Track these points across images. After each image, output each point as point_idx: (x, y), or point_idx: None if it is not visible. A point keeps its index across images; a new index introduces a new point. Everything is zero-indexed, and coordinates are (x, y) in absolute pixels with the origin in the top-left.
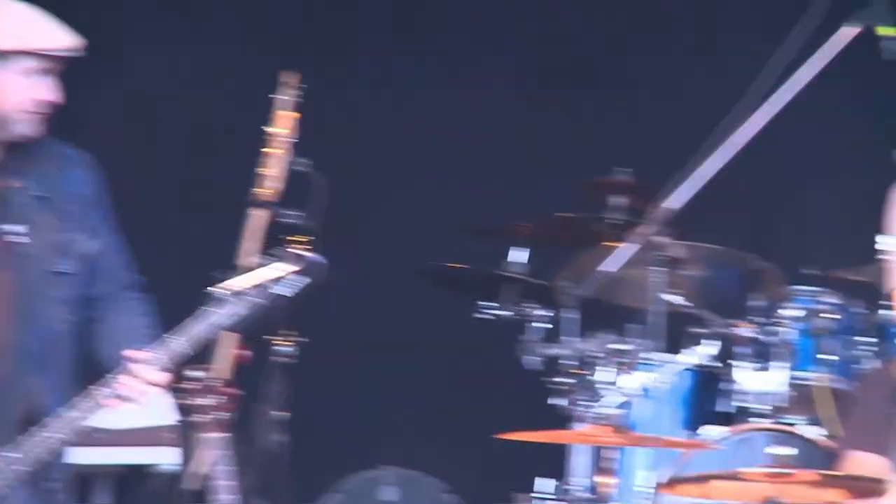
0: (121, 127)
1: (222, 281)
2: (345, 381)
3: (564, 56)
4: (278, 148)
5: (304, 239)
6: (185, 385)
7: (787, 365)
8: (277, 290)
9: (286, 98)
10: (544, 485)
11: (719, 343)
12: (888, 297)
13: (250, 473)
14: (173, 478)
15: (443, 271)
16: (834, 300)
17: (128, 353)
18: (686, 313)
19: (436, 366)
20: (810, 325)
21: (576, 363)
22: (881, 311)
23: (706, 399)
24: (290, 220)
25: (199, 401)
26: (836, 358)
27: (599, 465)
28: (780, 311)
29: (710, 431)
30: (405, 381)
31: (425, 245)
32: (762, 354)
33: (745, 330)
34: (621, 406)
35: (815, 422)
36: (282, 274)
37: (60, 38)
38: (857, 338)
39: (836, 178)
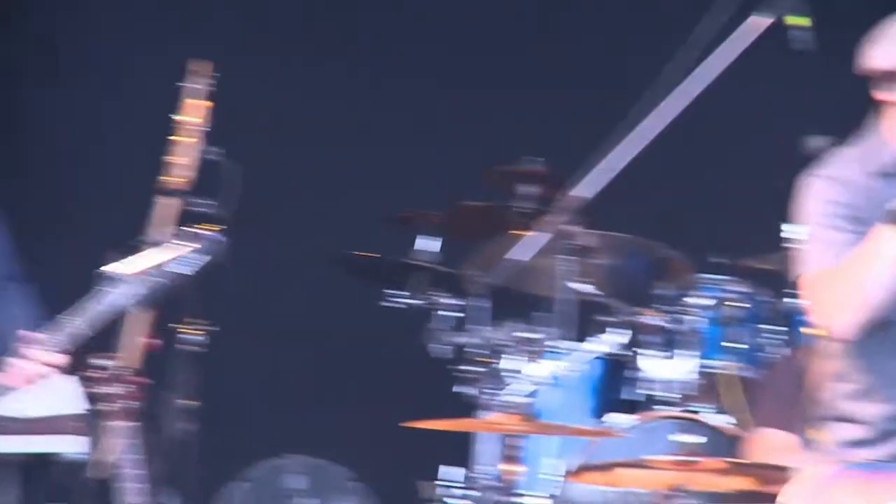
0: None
1: (118, 261)
2: (253, 370)
3: (472, 46)
4: (188, 136)
5: (215, 227)
6: (92, 373)
7: (695, 353)
8: (175, 268)
9: (196, 87)
10: (449, 473)
11: (629, 332)
12: (795, 286)
13: (158, 462)
14: (79, 466)
15: (352, 260)
16: (741, 288)
17: (22, 335)
18: (595, 302)
19: (344, 354)
20: (718, 314)
21: (483, 352)
22: (788, 300)
23: (614, 387)
24: (202, 209)
25: (107, 389)
26: (743, 346)
27: (506, 453)
28: (687, 299)
29: (616, 419)
30: (313, 369)
31: (335, 233)
32: (670, 343)
33: (652, 318)
34: (529, 394)
35: (722, 410)
36: (179, 252)
37: None
38: (764, 326)
39: (743, 167)
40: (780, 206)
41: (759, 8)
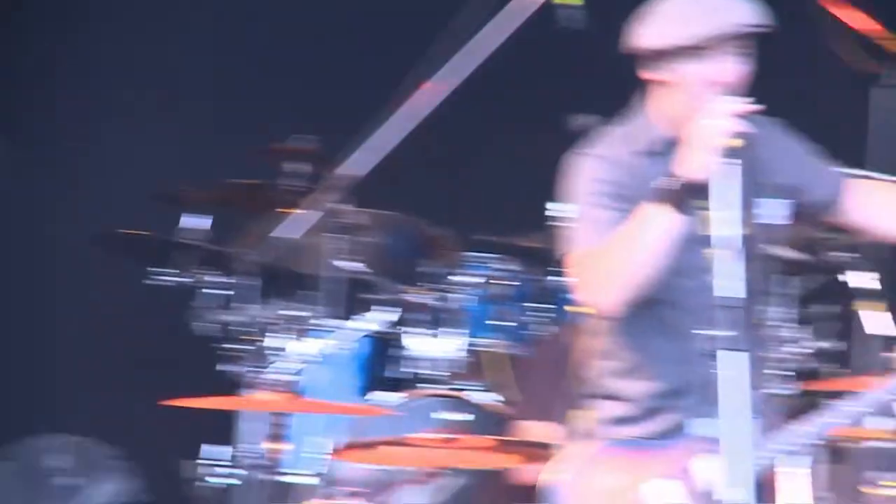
0: None
1: None
2: (15, 347)
3: (239, 21)
4: None
5: None
6: None
7: (462, 331)
8: None
9: None
10: (212, 452)
11: (397, 309)
12: (561, 264)
13: None
14: None
15: (118, 237)
16: (508, 266)
17: None
18: (363, 280)
19: (109, 332)
20: (484, 292)
21: (250, 329)
22: (554, 278)
23: (381, 365)
24: None
25: None
26: (510, 324)
27: (271, 431)
28: (454, 277)
29: (383, 397)
30: (77, 347)
31: (101, 210)
32: (436, 321)
33: (419, 296)
34: (294, 372)
35: (489, 388)
36: None
37: None
38: (530, 304)
39: (509, 144)
40: (546, 184)
41: None
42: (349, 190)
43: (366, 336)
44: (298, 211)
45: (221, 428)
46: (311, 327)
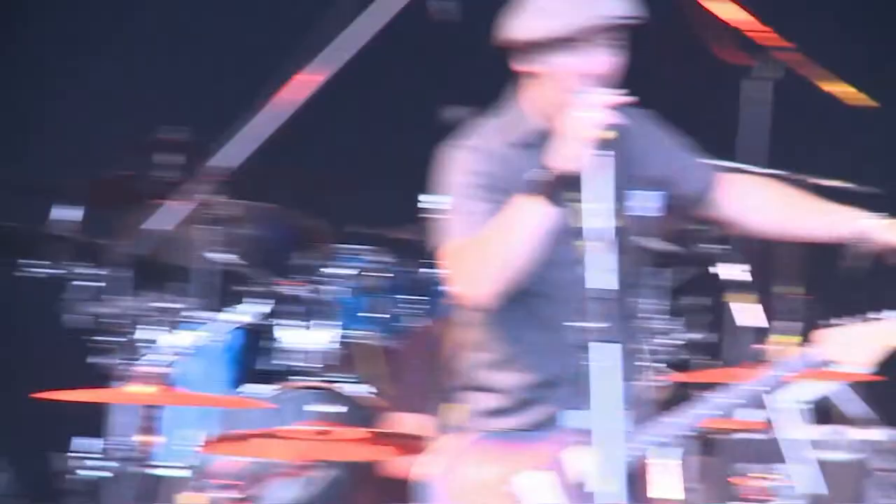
0: None
1: None
2: None
3: (103, 10)
4: None
5: None
6: None
7: (335, 323)
8: None
9: None
10: (83, 444)
11: (271, 301)
12: (435, 256)
13: None
14: None
15: None
16: (381, 258)
17: None
18: (236, 271)
19: None
20: (358, 284)
21: (121, 322)
22: (427, 270)
23: (254, 357)
24: None
25: None
26: (383, 316)
27: (142, 424)
28: (327, 269)
29: (255, 390)
30: None
31: None
32: (309, 313)
33: (292, 288)
34: (166, 365)
35: (362, 380)
36: None
37: None
38: (404, 296)
39: (385, 136)
40: (419, 176)
41: None
42: (222, 181)
43: (238, 328)
44: (171, 202)
45: (92, 420)
46: (183, 319)
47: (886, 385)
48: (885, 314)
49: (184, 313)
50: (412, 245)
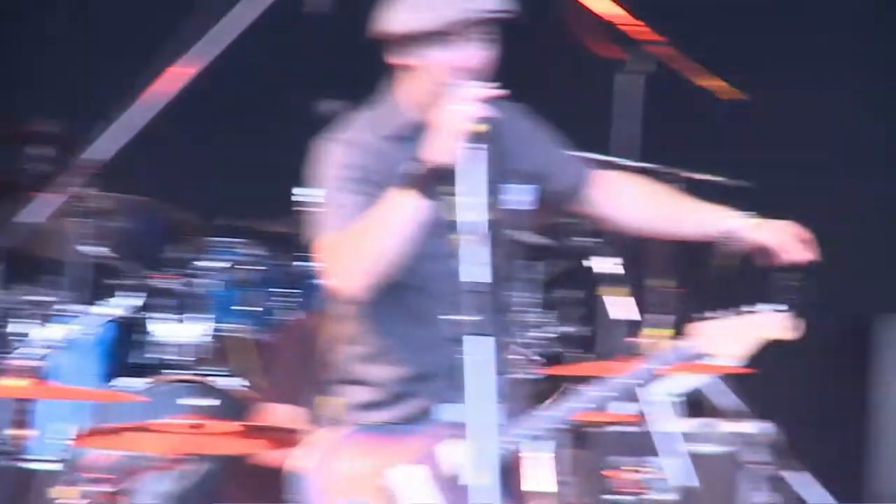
0: None
1: None
2: None
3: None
4: None
5: None
6: None
7: (208, 316)
8: None
9: None
10: None
11: (143, 294)
12: (308, 249)
13: None
14: None
15: None
16: (254, 251)
17: None
18: (109, 264)
19: None
20: (231, 277)
21: None
22: (301, 263)
23: (127, 351)
24: None
25: None
26: (256, 309)
27: (14, 418)
28: (199, 262)
29: (127, 383)
30: None
31: None
32: (182, 306)
33: (164, 281)
34: (38, 358)
35: (235, 373)
36: None
37: None
38: (277, 289)
39: (255, 128)
40: (293, 169)
41: None
42: (94, 174)
43: (110, 321)
44: (42, 195)
45: None
46: (55, 312)
47: (757, 378)
48: (759, 307)
49: (56, 306)
50: (285, 238)
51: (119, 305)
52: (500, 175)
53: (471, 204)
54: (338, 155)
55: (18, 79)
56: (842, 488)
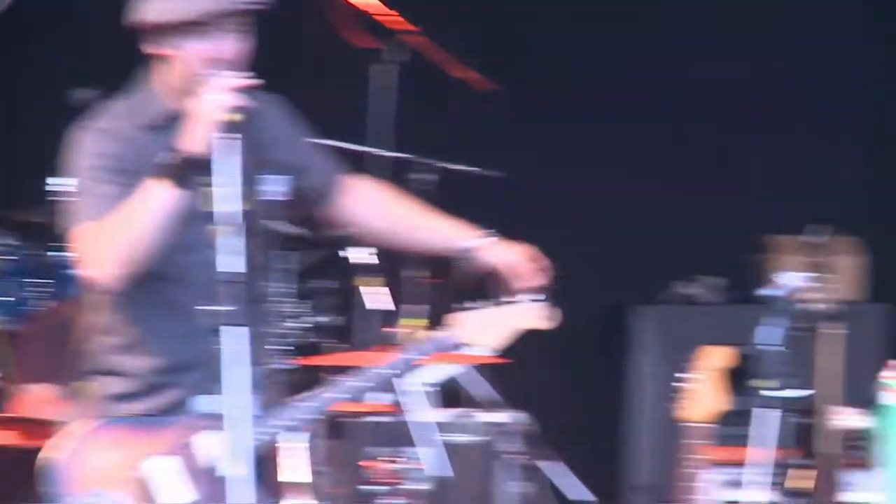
0: None
1: None
2: None
3: None
4: None
5: None
6: None
7: None
8: None
9: None
10: None
11: None
12: (62, 239)
13: None
14: None
15: None
16: (6, 241)
17: None
18: None
19: None
20: None
21: None
22: (54, 253)
23: None
24: None
25: None
26: (8, 299)
27: None
28: None
29: None
30: None
31: None
32: None
33: None
34: None
35: None
36: None
37: None
38: (29, 279)
39: (13, 116)
40: (47, 158)
41: None
42: None
43: None
44: None
45: None
46: None
47: (512, 368)
48: (517, 297)
49: None
50: (38, 227)
51: None
52: (255, 165)
53: (226, 194)
54: (92, 144)
55: None
56: (596, 478)
